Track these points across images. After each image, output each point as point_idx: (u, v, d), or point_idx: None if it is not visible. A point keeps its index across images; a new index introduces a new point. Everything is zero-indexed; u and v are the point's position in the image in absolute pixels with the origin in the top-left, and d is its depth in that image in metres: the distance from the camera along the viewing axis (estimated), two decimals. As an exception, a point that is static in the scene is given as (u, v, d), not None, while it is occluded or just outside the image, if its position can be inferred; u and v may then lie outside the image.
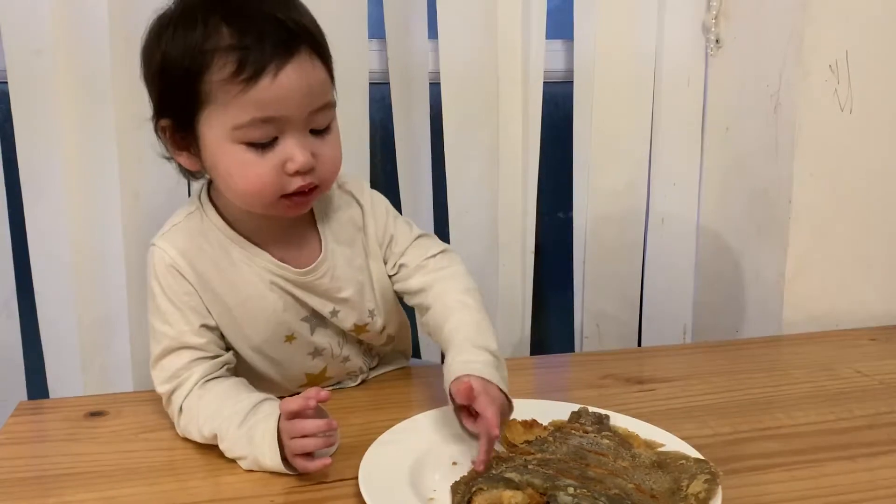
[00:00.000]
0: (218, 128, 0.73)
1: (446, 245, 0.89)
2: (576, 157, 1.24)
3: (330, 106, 0.76)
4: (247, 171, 0.74)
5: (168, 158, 0.80)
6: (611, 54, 1.20)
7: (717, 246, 1.25)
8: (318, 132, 0.76)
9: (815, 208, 1.10)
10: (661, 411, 0.83)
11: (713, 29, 1.19)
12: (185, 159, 0.78)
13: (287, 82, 0.71)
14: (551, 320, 1.37)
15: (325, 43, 0.76)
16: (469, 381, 0.71)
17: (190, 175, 0.81)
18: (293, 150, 0.73)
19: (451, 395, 0.74)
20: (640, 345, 1.31)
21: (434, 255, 0.86)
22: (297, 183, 0.75)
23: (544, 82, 1.19)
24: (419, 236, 0.88)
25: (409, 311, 0.93)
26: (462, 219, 1.19)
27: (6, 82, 1.01)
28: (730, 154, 1.21)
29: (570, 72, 1.22)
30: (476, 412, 0.71)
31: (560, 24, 1.22)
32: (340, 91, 1.08)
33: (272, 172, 0.74)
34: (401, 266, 0.87)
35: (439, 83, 1.15)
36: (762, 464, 0.72)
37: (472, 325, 0.80)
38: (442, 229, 1.19)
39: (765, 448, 0.76)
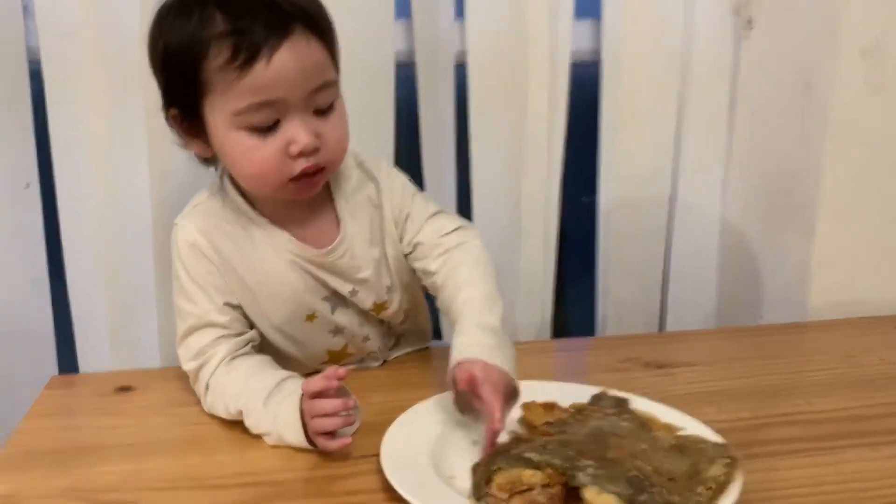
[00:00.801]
0: (220, 115, 0.74)
1: (463, 221, 0.88)
2: (602, 141, 1.23)
3: (330, 84, 0.76)
4: (251, 156, 0.75)
5: (183, 146, 0.81)
6: (639, 35, 1.18)
7: (741, 232, 1.24)
8: (322, 112, 0.76)
9: (843, 195, 1.09)
10: (681, 395, 0.83)
11: (745, 10, 1.17)
12: (196, 147, 0.79)
13: (282, 64, 0.71)
14: (573, 305, 1.36)
15: (325, 21, 0.76)
16: (471, 370, 0.71)
17: (204, 162, 0.82)
18: (295, 132, 0.74)
19: (453, 379, 0.73)
20: (661, 331, 1.31)
21: (449, 233, 0.86)
22: (301, 165, 0.75)
23: (571, 63, 1.18)
24: (435, 213, 0.87)
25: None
26: (485, 201, 1.19)
27: (39, 62, 1.03)
28: (757, 139, 1.19)
29: (597, 52, 1.21)
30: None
31: (588, 3, 1.21)
32: (366, 72, 1.10)
33: (276, 156, 0.74)
34: (416, 245, 0.86)
35: (465, 64, 1.14)
36: (781, 449, 0.73)
37: (478, 302, 0.79)
38: (465, 212, 1.19)
39: (785, 433, 0.76)
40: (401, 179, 0.89)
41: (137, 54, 1.02)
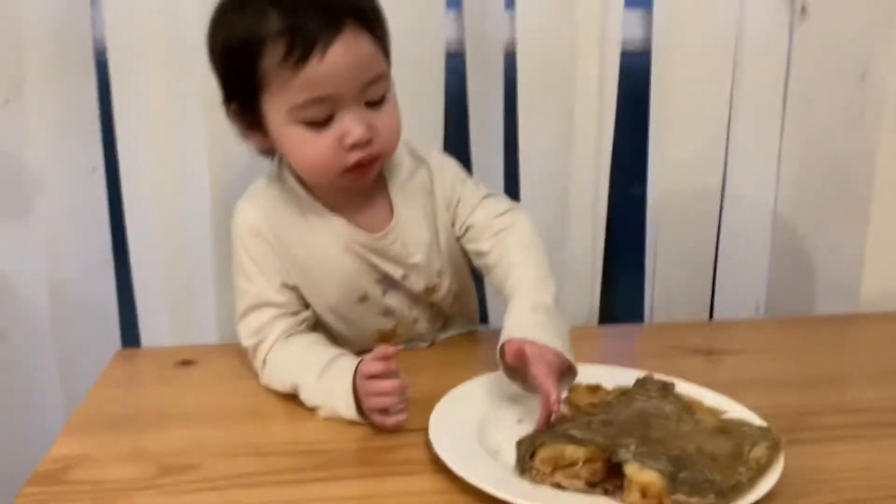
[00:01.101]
0: (277, 110, 0.77)
1: (514, 203, 0.90)
2: (651, 129, 1.23)
3: (382, 77, 0.78)
4: (307, 149, 0.77)
5: (243, 138, 0.84)
6: (691, 24, 1.18)
7: (794, 221, 1.23)
8: (374, 104, 0.78)
9: (899, 184, 1.07)
10: (727, 381, 0.82)
11: (799, -3, 1.16)
12: (256, 139, 0.82)
13: (335, 60, 0.73)
14: (621, 292, 1.37)
15: (376, 15, 0.78)
16: (521, 346, 0.71)
17: (264, 153, 0.85)
18: (349, 125, 0.76)
19: (501, 355, 0.74)
20: (710, 319, 1.30)
21: (501, 214, 0.87)
22: (356, 156, 0.78)
23: (621, 52, 1.18)
24: (486, 196, 0.89)
25: (475, 273, 0.95)
26: (534, 190, 1.20)
27: (105, 52, 1.07)
28: (811, 127, 1.18)
29: (647, 41, 1.21)
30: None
31: (638, -7, 1.20)
32: (416, 62, 1.12)
33: (331, 148, 0.77)
34: (468, 227, 0.88)
35: (514, 54, 1.15)
36: (826, 436, 0.73)
37: (530, 282, 0.80)
38: (513, 199, 1.20)
39: (831, 421, 0.76)
40: (452, 164, 0.91)
41: (198, 44, 1.05)
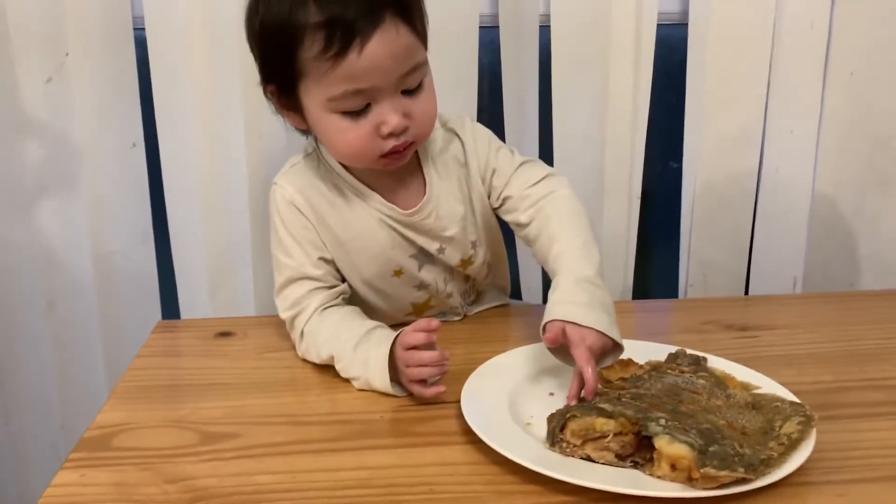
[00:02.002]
0: (315, 99, 0.77)
1: (550, 169, 0.88)
2: (688, 103, 1.21)
3: (419, 66, 0.78)
4: (344, 137, 0.78)
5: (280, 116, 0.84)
6: (729, -4, 1.16)
7: (833, 197, 1.21)
8: (411, 91, 0.78)
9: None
10: (762, 357, 0.83)
11: (842, -34, 1.13)
12: (293, 120, 0.83)
13: (373, 54, 0.73)
14: (656, 268, 1.36)
15: (415, 2, 0.77)
16: (562, 326, 0.71)
17: (301, 132, 0.86)
18: (386, 115, 0.77)
19: (544, 332, 0.74)
20: (747, 295, 1.29)
21: (537, 183, 0.86)
22: (391, 143, 0.78)
23: (658, 24, 1.16)
24: (522, 164, 0.88)
25: (508, 244, 0.96)
26: (568, 164, 1.19)
27: (144, 29, 1.09)
28: (853, 101, 1.15)
29: (685, 13, 1.19)
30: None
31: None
32: (450, 35, 1.11)
33: (367, 136, 0.78)
34: (505, 198, 0.87)
35: (549, 26, 1.15)
36: (862, 412, 0.72)
37: (572, 254, 0.79)
38: (553, 169, 1.20)
39: (867, 398, 0.75)
40: (485, 134, 0.90)
41: (236, 19, 1.07)
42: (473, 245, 0.90)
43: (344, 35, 0.72)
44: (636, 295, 1.29)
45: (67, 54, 1.09)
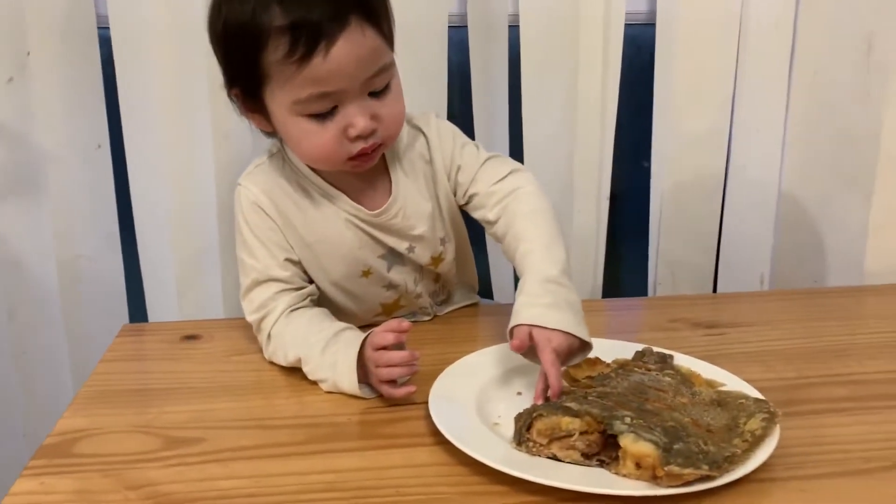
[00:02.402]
0: (280, 102, 0.76)
1: (516, 164, 0.88)
2: (656, 102, 1.22)
3: (386, 68, 0.77)
4: (311, 140, 0.78)
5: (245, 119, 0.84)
6: (696, -5, 1.17)
7: (799, 194, 1.22)
8: (378, 93, 0.78)
9: (904, 156, 1.07)
10: (728, 354, 0.84)
11: (805, -33, 1.14)
12: (258, 122, 0.82)
13: (339, 57, 0.72)
14: (625, 267, 1.37)
15: (381, 4, 0.76)
16: (528, 331, 0.71)
17: (266, 134, 0.85)
18: (353, 117, 0.76)
19: (511, 336, 0.75)
20: (715, 293, 1.30)
21: (503, 179, 0.86)
22: (359, 146, 0.78)
23: (626, 24, 1.17)
24: (487, 159, 0.88)
25: (473, 240, 0.96)
26: (537, 163, 1.20)
27: (109, 28, 1.07)
28: (817, 99, 1.17)
29: (653, 13, 1.19)
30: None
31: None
32: (419, 35, 1.11)
33: (335, 139, 0.77)
34: (472, 195, 0.87)
35: (518, 26, 1.15)
36: (825, 408, 0.73)
37: (537, 254, 0.79)
38: (520, 164, 1.20)
39: (830, 393, 0.76)
40: (450, 130, 0.89)
41: (201, 20, 1.05)
42: (442, 242, 0.89)
43: (309, 38, 0.72)
44: (606, 294, 1.30)
45: (29, 53, 1.07)
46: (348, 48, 0.73)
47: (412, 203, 0.86)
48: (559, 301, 0.75)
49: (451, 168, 0.88)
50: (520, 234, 0.82)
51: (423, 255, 0.88)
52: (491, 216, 0.86)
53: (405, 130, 0.87)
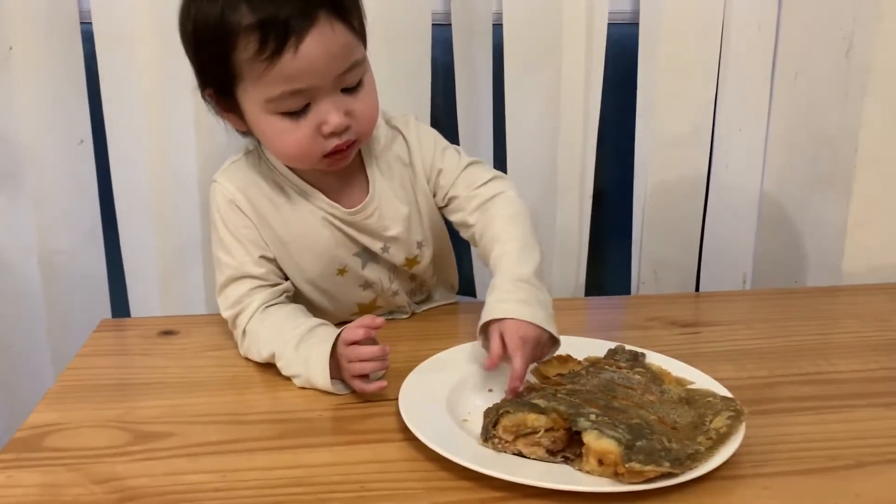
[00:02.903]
0: (253, 101, 0.77)
1: (497, 172, 0.89)
2: (639, 101, 1.23)
3: (358, 64, 0.77)
4: (285, 139, 0.78)
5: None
6: (679, -5, 1.17)
7: (780, 194, 1.23)
8: (351, 89, 0.78)
9: (883, 157, 1.07)
10: (700, 353, 0.84)
11: (787, -31, 1.15)
12: (233, 121, 0.82)
13: (308, 54, 0.72)
14: (608, 266, 1.37)
15: (348, 0, 0.76)
16: (500, 329, 0.72)
17: (242, 134, 0.85)
18: (326, 114, 0.76)
19: (482, 332, 0.76)
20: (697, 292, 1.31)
21: (484, 184, 0.87)
22: (334, 143, 0.78)
23: (609, 24, 1.17)
24: (468, 165, 0.88)
25: (455, 243, 0.96)
26: (521, 162, 1.20)
27: (91, 23, 1.07)
28: (798, 100, 1.17)
29: (636, 13, 1.20)
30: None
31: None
32: (403, 33, 1.11)
33: (309, 137, 0.77)
34: (451, 198, 0.88)
35: (502, 24, 1.15)
36: (793, 406, 0.73)
37: (512, 256, 0.80)
38: (501, 171, 1.20)
39: (798, 392, 0.76)
40: (430, 135, 0.90)
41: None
42: (419, 245, 0.90)
43: (278, 35, 0.72)
44: (589, 292, 1.30)
45: (11, 48, 1.07)
46: (318, 44, 0.73)
47: (388, 204, 0.87)
48: (530, 298, 0.75)
49: (432, 171, 0.88)
50: (496, 237, 0.83)
51: (397, 255, 0.89)
52: (471, 219, 0.86)
53: (383, 131, 0.88)
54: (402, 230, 0.87)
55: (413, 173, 0.88)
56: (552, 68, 1.17)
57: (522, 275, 0.77)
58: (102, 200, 1.16)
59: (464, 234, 0.90)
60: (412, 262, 0.90)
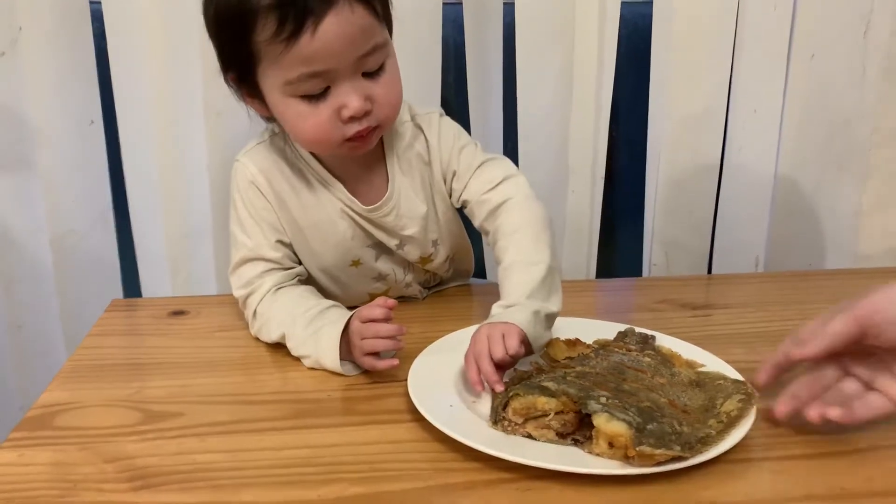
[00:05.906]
0: (272, 83, 0.76)
1: (511, 170, 0.86)
2: (652, 81, 1.21)
3: (379, 47, 0.76)
4: (305, 122, 0.77)
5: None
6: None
7: (795, 176, 1.21)
8: (372, 73, 0.77)
9: (898, 139, 1.05)
10: (713, 336, 0.83)
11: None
12: (256, 107, 0.82)
13: (326, 35, 0.72)
14: (620, 248, 1.36)
15: None
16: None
17: (266, 119, 0.85)
18: (346, 98, 0.75)
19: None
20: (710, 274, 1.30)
21: (494, 188, 0.85)
22: (354, 128, 0.77)
23: (623, 3, 1.16)
24: (481, 165, 0.86)
25: (471, 235, 0.95)
26: (532, 142, 1.19)
27: (101, 3, 1.07)
28: (814, 81, 1.15)
29: (650, -8, 1.18)
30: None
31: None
32: (414, 13, 1.10)
33: (329, 121, 0.76)
34: (464, 202, 0.87)
35: (513, 3, 1.14)
36: (805, 390, 0.73)
37: (508, 280, 0.78)
38: (511, 152, 1.20)
39: (811, 375, 0.75)
40: (451, 133, 0.88)
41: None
42: (434, 244, 0.89)
43: (296, 16, 0.71)
44: (600, 274, 1.30)
45: (21, 28, 1.07)
46: (337, 26, 0.72)
47: (407, 202, 0.86)
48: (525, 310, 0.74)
49: (447, 173, 0.87)
50: (499, 254, 0.82)
51: (412, 253, 0.88)
52: (485, 226, 0.86)
53: (408, 128, 0.87)
54: (419, 229, 0.87)
55: (431, 172, 0.88)
56: (564, 48, 1.16)
57: (510, 301, 0.76)
58: (113, 181, 1.16)
59: (484, 238, 0.88)
60: (426, 259, 0.90)
